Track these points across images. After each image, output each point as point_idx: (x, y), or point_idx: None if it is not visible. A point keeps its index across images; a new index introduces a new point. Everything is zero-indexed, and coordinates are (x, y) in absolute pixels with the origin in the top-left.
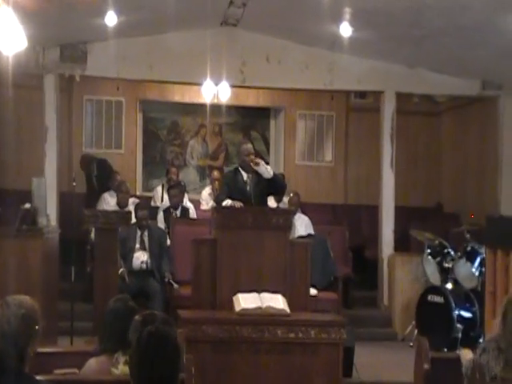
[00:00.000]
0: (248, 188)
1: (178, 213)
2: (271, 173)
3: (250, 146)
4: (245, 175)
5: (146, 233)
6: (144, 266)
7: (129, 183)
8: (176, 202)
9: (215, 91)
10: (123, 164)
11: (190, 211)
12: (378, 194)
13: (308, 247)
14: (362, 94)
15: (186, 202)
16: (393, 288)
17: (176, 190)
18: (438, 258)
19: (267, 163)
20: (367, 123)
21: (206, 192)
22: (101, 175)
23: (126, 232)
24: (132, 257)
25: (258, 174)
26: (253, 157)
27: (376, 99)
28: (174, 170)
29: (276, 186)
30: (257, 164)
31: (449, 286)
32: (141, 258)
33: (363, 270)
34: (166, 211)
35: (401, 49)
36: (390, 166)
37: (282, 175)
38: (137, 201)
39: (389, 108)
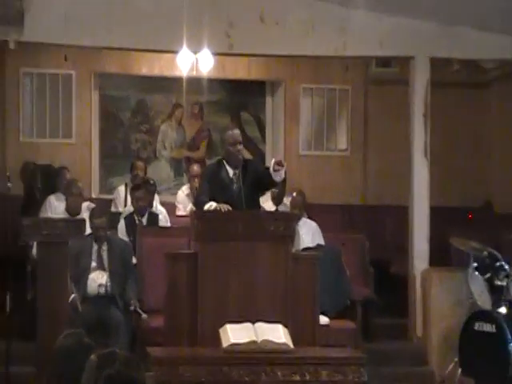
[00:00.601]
0: (235, 186)
1: (145, 220)
2: (282, 177)
3: (237, 131)
4: (231, 170)
5: (104, 247)
6: (102, 290)
7: (81, 182)
8: (142, 207)
9: (194, 61)
10: (74, 157)
11: (160, 217)
12: (408, 191)
13: (316, 262)
14: (384, 62)
15: (157, 206)
16: (428, 314)
17: (141, 190)
18: (488, 274)
19: (262, 155)
20: (392, 99)
21: (183, 192)
22: (46, 187)
23: (78, 246)
24: (87, 279)
25: (245, 168)
26: (277, 159)
27: (403, 68)
28: (140, 164)
29: (268, 179)
30: (281, 166)
31: (502, 310)
32: (98, 279)
33: (388, 290)
34: (129, 218)
35: (434, 1)
36: (422, 154)
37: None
38: (92, 205)
39: (420, 79)
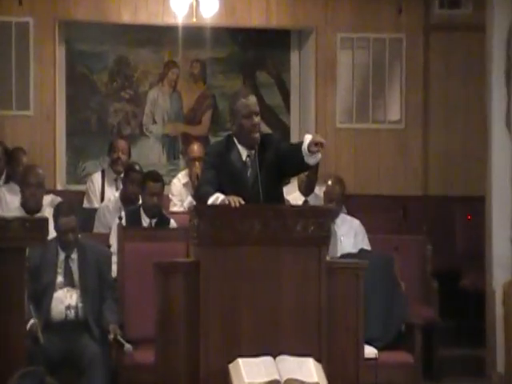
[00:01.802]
0: (249, 172)
1: (154, 223)
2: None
3: (253, 99)
4: (244, 151)
5: (74, 255)
6: (71, 313)
7: (43, 169)
8: (156, 206)
9: (192, 4)
10: (33, 136)
11: (172, 222)
12: (484, 177)
13: (360, 274)
14: (452, 2)
15: None
16: None
17: (160, 183)
18: None
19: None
20: (462, 52)
21: (180, 181)
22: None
23: (39, 255)
24: (50, 299)
25: (263, 147)
26: (318, 138)
27: (477, 8)
28: (122, 143)
29: (296, 160)
30: (321, 147)
31: None
32: (66, 300)
33: (458, 311)
34: (132, 216)
35: None
36: (504, 126)
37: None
38: (58, 199)
39: (501, 23)
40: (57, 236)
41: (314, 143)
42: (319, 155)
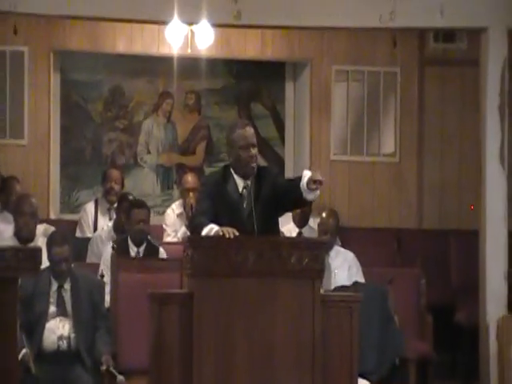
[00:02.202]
0: (245, 204)
1: (142, 252)
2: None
3: (250, 130)
4: (240, 183)
5: (67, 285)
6: (64, 344)
7: (36, 198)
8: (143, 233)
9: (188, 35)
10: (27, 164)
11: (161, 250)
12: (479, 210)
13: (354, 307)
14: (447, 36)
15: None
16: (507, 377)
17: (144, 209)
18: None
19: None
20: (457, 86)
21: (174, 211)
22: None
23: (31, 284)
24: (43, 329)
25: (259, 179)
26: (317, 176)
27: (473, 43)
28: (115, 173)
29: (294, 195)
30: (320, 184)
31: None
32: (58, 330)
33: (452, 345)
34: (120, 246)
35: None
36: (498, 160)
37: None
38: (51, 229)
39: (495, 58)
40: (50, 266)
41: (313, 181)
42: (318, 191)
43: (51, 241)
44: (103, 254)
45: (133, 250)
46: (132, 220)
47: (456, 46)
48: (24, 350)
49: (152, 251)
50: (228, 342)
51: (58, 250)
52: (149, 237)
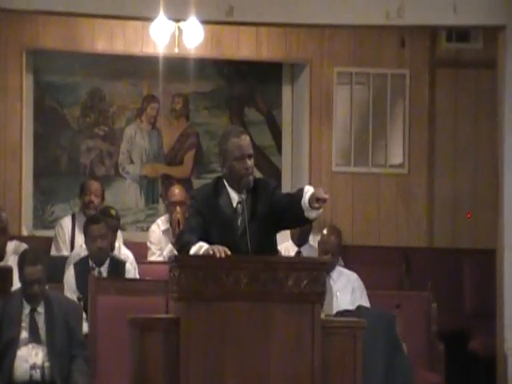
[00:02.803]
0: (239, 221)
1: (104, 269)
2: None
3: (246, 138)
4: (234, 196)
5: (40, 309)
6: (37, 374)
7: (7, 212)
8: (103, 250)
9: (175, 33)
10: None
11: (128, 265)
12: (495, 227)
13: (358, 334)
14: (461, 35)
15: (120, 248)
16: None
17: (101, 224)
18: None
19: (276, 172)
20: (472, 90)
21: (159, 228)
22: None
23: (0, 309)
24: (13, 357)
25: (254, 193)
26: (321, 194)
27: (489, 43)
28: (94, 185)
29: (294, 213)
30: (324, 202)
31: None
32: (31, 358)
33: (467, 376)
34: (81, 266)
35: None
36: None
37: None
38: (23, 246)
39: None
40: (21, 287)
41: (316, 199)
42: (321, 210)
43: (23, 260)
44: (66, 277)
45: (96, 271)
46: (88, 237)
47: (471, 46)
48: None
49: (117, 269)
50: (217, 374)
51: (31, 270)
52: (113, 252)
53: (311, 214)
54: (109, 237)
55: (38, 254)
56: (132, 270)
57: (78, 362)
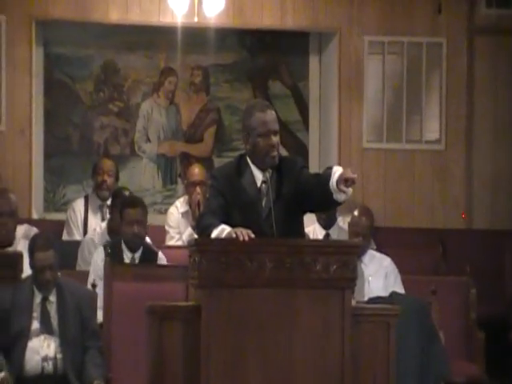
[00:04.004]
0: (264, 202)
1: (138, 257)
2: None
3: (271, 113)
4: (259, 175)
5: (52, 298)
6: (49, 366)
7: (16, 195)
8: (137, 236)
9: (193, 1)
10: (5, 154)
11: (160, 255)
12: None
13: (392, 322)
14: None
15: None
16: None
17: (139, 208)
18: None
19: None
20: None
21: (178, 210)
22: None
23: (10, 297)
24: (24, 348)
25: (281, 173)
26: (349, 174)
27: None
28: (108, 164)
29: (322, 194)
30: (353, 183)
31: None
32: (42, 350)
33: (508, 368)
34: (113, 249)
35: None
36: None
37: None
38: (33, 230)
39: None
40: (32, 274)
41: (345, 179)
42: (350, 191)
43: (34, 245)
44: (92, 260)
45: (127, 256)
46: (125, 221)
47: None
48: (2, 374)
49: (150, 257)
50: (240, 365)
51: (42, 256)
52: (147, 240)
53: (340, 197)
54: (145, 223)
55: (49, 238)
56: (164, 261)
57: (92, 353)
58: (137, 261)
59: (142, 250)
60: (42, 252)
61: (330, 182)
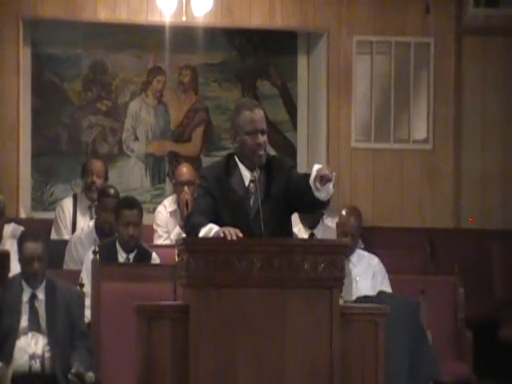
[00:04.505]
0: (252, 201)
1: (132, 257)
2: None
3: (259, 112)
4: (247, 174)
5: (41, 295)
6: (37, 364)
7: (4, 194)
8: (133, 238)
9: (182, 0)
10: None
11: (154, 256)
12: None
13: (380, 322)
14: None
15: None
16: None
17: (136, 210)
18: None
19: (291, 148)
20: (501, 59)
21: (166, 209)
22: None
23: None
24: (13, 346)
25: (270, 172)
26: (323, 171)
27: None
28: (97, 165)
29: (307, 193)
30: (329, 180)
31: None
32: (30, 348)
33: (497, 368)
34: (107, 249)
35: None
36: None
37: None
38: (21, 229)
39: None
40: (21, 267)
41: (320, 177)
42: (330, 188)
43: (23, 236)
44: (84, 259)
45: (122, 257)
46: (121, 222)
47: (500, 12)
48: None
49: (144, 258)
50: (229, 365)
51: (31, 246)
52: (142, 243)
53: (320, 195)
54: (141, 225)
55: (40, 232)
56: (158, 261)
57: (80, 351)
58: (131, 261)
59: (136, 251)
60: (31, 242)
61: (310, 180)
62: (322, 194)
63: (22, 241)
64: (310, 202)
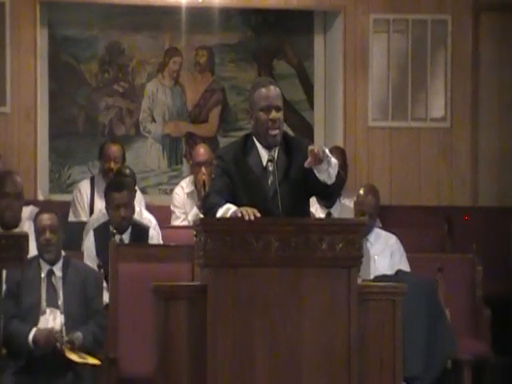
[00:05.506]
0: (270, 181)
1: (127, 236)
2: (334, 174)
3: (274, 88)
4: (265, 154)
5: (58, 272)
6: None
7: (22, 176)
8: (125, 219)
9: None
10: (10, 136)
11: (151, 231)
12: None
13: (397, 300)
14: None
15: (142, 213)
16: None
17: (124, 191)
18: None
19: (308, 128)
20: None
21: (183, 190)
22: None
23: (18, 276)
24: (36, 322)
25: (289, 153)
26: (313, 149)
27: None
28: (114, 150)
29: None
30: (319, 160)
31: None
32: (48, 323)
33: None
34: (102, 232)
35: None
36: None
37: (338, 151)
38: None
39: None
40: (36, 237)
41: (310, 153)
42: (330, 169)
43: (38, 212)
44: (85, 244)
45: (116, 238)
46: (111, 206)
47: None
48: (34, 329)
49: (140, 235)
50: (246, 344)
51: (45, 216)
52: (134, 218)
53: (322, 176)
54: (132, 205)
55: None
56: (156, 236)
57: (89, 326)
58: (126, 241)
59: (130, 231)
60: (45, 214)
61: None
62: (321, 175)
63: (37, 215)
64: (321, 186)
